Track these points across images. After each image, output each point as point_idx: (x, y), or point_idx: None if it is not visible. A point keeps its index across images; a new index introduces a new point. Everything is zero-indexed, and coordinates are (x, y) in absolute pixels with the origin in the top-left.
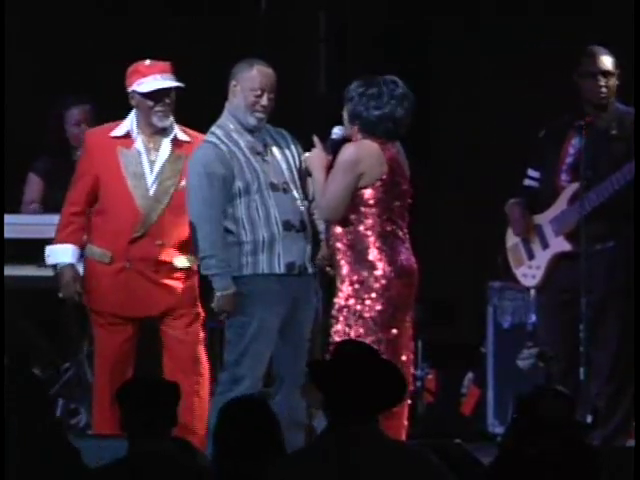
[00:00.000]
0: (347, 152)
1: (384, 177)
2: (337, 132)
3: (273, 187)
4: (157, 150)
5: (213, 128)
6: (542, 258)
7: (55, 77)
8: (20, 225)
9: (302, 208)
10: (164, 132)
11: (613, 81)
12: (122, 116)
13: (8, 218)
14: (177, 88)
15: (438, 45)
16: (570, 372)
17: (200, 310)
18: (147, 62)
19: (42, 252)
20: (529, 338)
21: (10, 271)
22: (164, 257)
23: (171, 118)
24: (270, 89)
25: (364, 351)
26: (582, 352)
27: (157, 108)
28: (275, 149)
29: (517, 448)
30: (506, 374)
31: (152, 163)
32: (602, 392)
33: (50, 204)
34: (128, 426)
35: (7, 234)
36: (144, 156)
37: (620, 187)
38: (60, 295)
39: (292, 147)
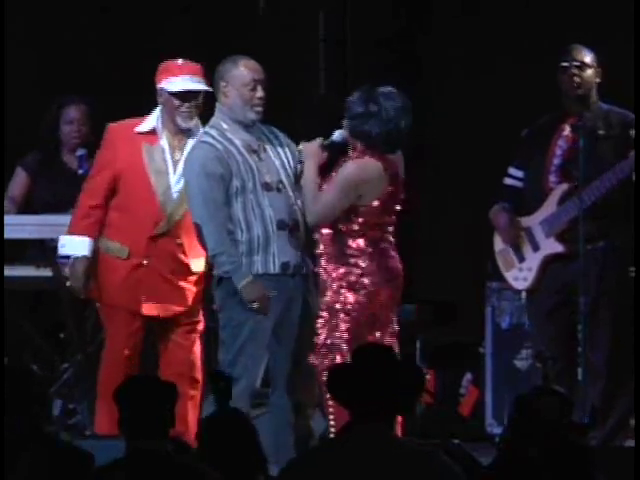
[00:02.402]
0: (349, 170)
1: (382, 196)
2: (338, 135)
3: (267, 186)
4: (181, 149)
5: (207, 128)
6: (533, 260)
7: (54, 77)
8: (20, 225)
9: (296, 208)
10: (189, 132)
11: (589, 73)
12: (122, 116)
13: (8, 218)
14: (205, 92)
15: (436, 46)
16: (566, 373)
17: (202, 318)
18: (179, 61)
19: (41, 252)
20: (527, 339)
21: (10, 271)
22: (182, 257)
23: (195, 120)
24: (261, 81)
25: (383, 354)
26: (580, 352)
27: (183, 109)
28: (269, 147)
29: (515, 448)
30: (504, 374)
31: (176, 162)
32: (599, 392)
33: (33, 201)
34: (126, 426)
35: (7, 234)
36: (168, 154)
37: (612, 187)
38: (67, 284)
39: (285, 145)
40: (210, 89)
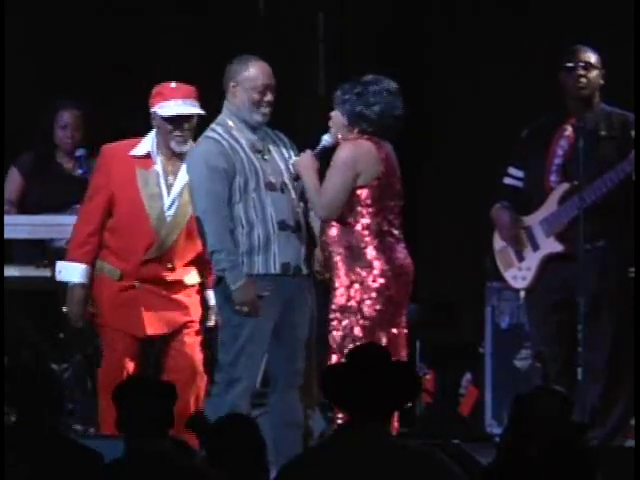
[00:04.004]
0: (344, 151)
1: (380, 176)
2: (327, 139)
3: (271, 186)
4: (175, 173)
5: (213, 125)
6: (532, 260)
7: (53, 78)
8: (20, 225)
9: (298, 209)
10: (183, 156)
11: (594, 75)
12: (122, 118)
13: (8, 218)
14: (199, 115)
15: (436, 46)
16: (565, 372)
17: (199, 323)
18: (172, 85)
19: (42, 252)
20: (527, 338)
21: (10, 271)
22: (174, 277)
23: (190, 144)
24: (271, 85)
25: (378, 354)
26: (580, 352)
27: (176, 133)
28: (273, 149)
29: (515, 448)
30: (504, 374)
31: (170, 186)
32: (599, 392)
33: (28, 202)
34: (125, 426)
35: (7, 234)
36: (162, 178)
37: (613, 187)
38: (64, 310)
39: (289, 150)
40: (203, 112)
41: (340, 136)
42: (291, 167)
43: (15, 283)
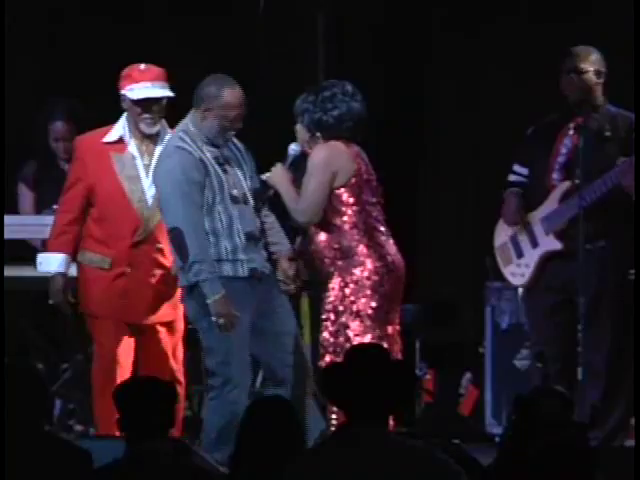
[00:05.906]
0: (318, 154)
1: (356, 174)
2: (294, 149)
3: (234, 199)
4: (150, 154)
5: (180, 134)
6: (531, 257)
7: (53, 78)
8: (20, 225)
9: (257, 219)
10: (155, 137)
11: (588, 77)
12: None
13: (8, 218)
14: (168, 97)
15: (436, 46)
16: (566, 372)
17: (182, 319)
18: (142, 66)
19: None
20: (527, 338)
21: (10, 271)
22: (163, 261)
23: (159, 125)
24: (242, 113)
25: (378, 354)
26: (580, 352)
27: (145, 115)
28: (233, 161)
29: (516, 448)
30: (504, 374)
31: (146, 167)
32: (599, 392)
33: (42, 210)
34: (126, 427)
35: (7, 234)
36: (138, 160)
37: (612, 187)
38: (50, 302)
39: (247, 160)
40: (172, 94)
41: (307, 148)
42: (249, 178)
43: (15, 283)
